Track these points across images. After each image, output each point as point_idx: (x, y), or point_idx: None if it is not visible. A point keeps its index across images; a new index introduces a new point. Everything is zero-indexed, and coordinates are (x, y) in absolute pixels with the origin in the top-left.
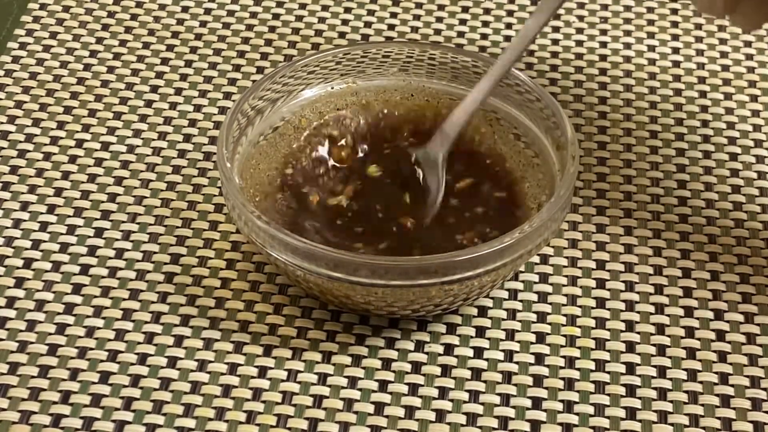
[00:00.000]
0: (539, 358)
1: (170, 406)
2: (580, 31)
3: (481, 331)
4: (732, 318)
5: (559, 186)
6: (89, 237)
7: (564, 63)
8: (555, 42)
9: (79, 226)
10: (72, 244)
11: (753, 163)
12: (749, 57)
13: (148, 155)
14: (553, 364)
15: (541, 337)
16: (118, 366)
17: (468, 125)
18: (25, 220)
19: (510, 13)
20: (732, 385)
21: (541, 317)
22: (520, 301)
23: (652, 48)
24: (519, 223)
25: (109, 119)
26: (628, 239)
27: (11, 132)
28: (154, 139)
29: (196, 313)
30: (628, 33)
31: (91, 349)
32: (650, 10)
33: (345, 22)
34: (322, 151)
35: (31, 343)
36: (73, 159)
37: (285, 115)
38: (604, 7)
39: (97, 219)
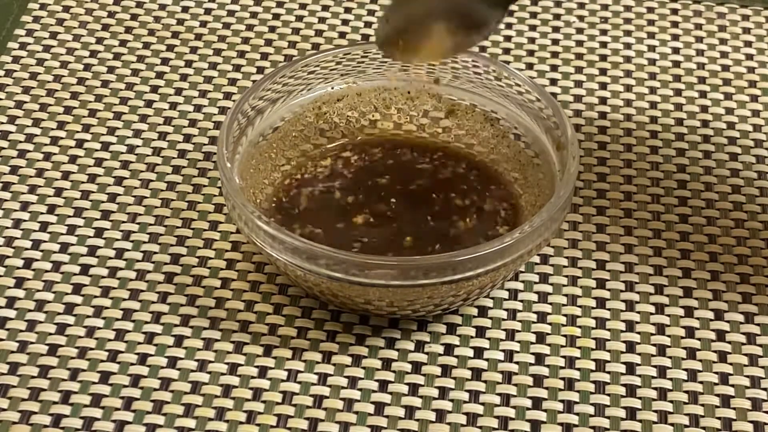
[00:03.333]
0: (539, 358)
1: (170, 406)
2: (580, 31)
3: (481, 331)
4: (732, 318)
5: (559, 186)
6: (89, 237)
7: (564, 63)
8: (555, 42)
9: (79, 226)
10: (72, 244)
11: (753, 163)
12: (749, 57)
13: (148, 155)
14: (554, 364)
15: (541, 337)
16: (118, 366)
17: None
18: (25, 220)
19: (510, 13)
20: (732, 385)
21: (542, 317)
22: (521, 301)
23: (652, 48)
24: (519, 223)
25: (109, 119)
26: (628, 239)
27: (11, 132)
28: (154, 139)
29: (196, 313)
30: (628, 33)
31: (91, 349)
32: (650, 10)
33: (345, 22)
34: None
35: (31, 343)
36: (73, 159)
37: (285, 115)
38: (604, 7)
39: (97, 219)
